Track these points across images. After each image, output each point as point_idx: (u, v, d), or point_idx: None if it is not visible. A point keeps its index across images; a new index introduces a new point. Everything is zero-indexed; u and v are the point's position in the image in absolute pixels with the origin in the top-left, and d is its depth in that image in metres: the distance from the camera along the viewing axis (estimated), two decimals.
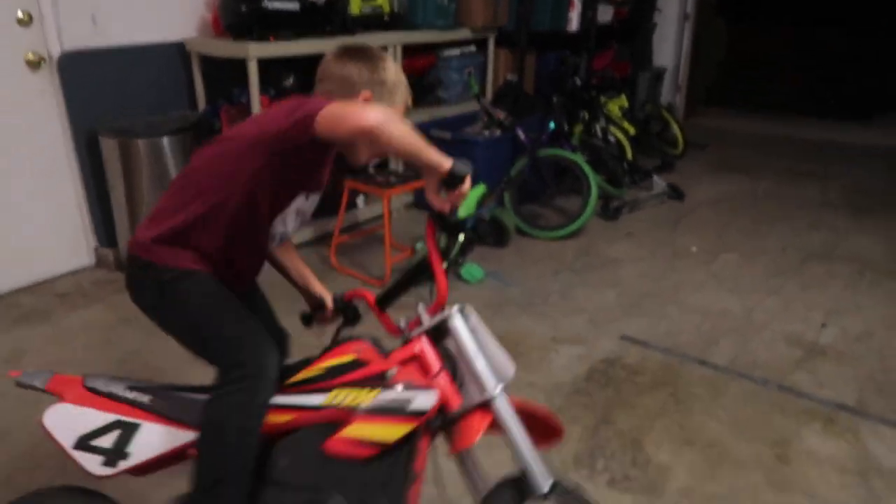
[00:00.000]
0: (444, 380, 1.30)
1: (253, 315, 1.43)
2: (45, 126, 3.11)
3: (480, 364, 1.29)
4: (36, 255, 3.20)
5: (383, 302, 1.49)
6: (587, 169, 3.84)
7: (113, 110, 3.20)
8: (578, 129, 4.55)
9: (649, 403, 2.35)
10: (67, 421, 1.37)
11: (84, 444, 1.36)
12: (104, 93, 3.19)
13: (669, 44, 6.64)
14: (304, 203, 1.49)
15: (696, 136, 6.02)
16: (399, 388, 1.28)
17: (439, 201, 1.30)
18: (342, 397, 1.30)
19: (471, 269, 3.31)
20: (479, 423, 1.26)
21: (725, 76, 7.41)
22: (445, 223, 1.35)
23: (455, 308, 1.33)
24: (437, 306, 1.35)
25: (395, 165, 3.99)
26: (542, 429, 1.38)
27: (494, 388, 1.28)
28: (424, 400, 1.25)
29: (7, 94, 2.96)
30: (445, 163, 1.23)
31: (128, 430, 1.36)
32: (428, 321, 1.35)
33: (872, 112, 7.05)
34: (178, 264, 1.38)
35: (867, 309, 3.02)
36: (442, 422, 1.32)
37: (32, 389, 1.41)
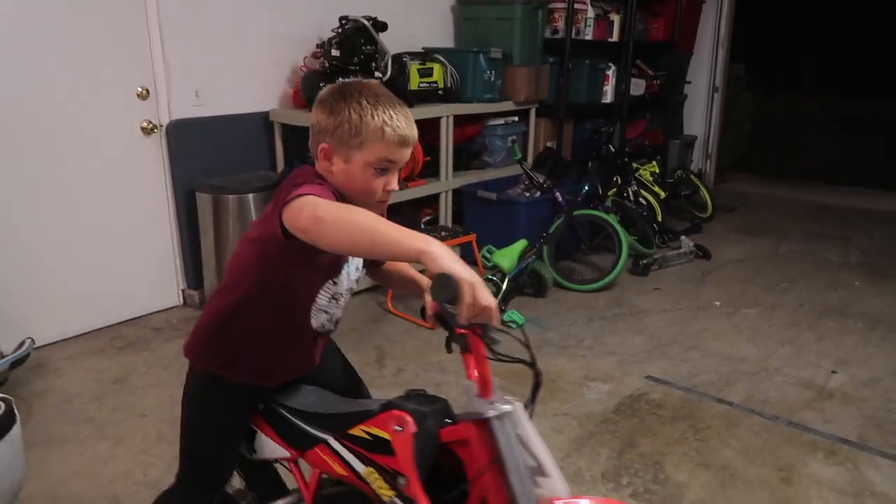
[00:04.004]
0: (488, 479, 1.18)
1: (237, 446, 1.53)
2: (152, 183, 3.65)
3: (517, 484, 1.15)
4: (134, 293, 3.69)
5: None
6: (619, 228, 4.24)
7: (208, 169, 3.73)
8: (612, 192, 4.98)
9: (670, 432, 2.67)
10: None
11: None
12: (202, 154, 3.73)
13: (700, 114, 7.08)
14: (337, 287, 1.44)
15: (725, 200, 6.39)
16: None
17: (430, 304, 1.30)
18: (373, 478, 1.31)
19: (512, 315, 3.68)
20: None
21: (753, 145, 7.79)
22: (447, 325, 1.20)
23: (497, 409, 1.18)
24: (483, 390, 1.20)
25: (445, 221, 4.44)
26: None
27: None
28: None
29: (124, 155, 3.51)
30: (418, 243, 1.06)
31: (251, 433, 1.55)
32: (471, 406, 1.21)
33: None
34: (206, 367, 1.48)
35: (876, 359, 3.30)
36: None
37: None
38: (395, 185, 1.38)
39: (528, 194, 4.57)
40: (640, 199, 5.12)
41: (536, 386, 1.19)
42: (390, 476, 1.27)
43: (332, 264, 1.40)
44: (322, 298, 1.43)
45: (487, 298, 1.06)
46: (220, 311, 1.43)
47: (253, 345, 1.43)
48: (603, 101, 5.61)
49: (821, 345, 3.47)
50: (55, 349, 3.32)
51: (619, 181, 5.07)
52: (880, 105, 10.31)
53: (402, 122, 1.32)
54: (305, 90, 3.82)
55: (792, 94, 10.57)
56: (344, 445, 1.36)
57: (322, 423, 1.42)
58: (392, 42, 4.07)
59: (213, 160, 3.78)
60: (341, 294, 1.47)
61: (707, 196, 5.90)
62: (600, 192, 4.77)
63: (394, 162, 1.34)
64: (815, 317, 3.82)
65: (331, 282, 1.43)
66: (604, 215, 4.34)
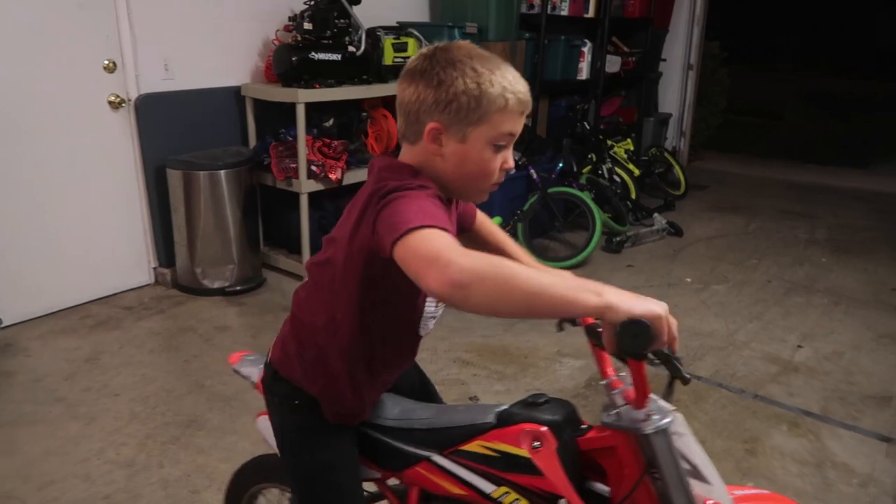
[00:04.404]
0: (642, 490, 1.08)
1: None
2: (121, 158, 3.58)
3: (679, 498, 1.06)
4: (105, 272, 3.63)
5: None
6: (593, 206, 4.27)
7: (178, 145, 3.66)
8: (586, 169, 5.00)
9: None
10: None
11: None
12: (172, 129, 3.67)
13: (675, 92, 7.11)
14: None
15: (698, 178, 6.45)
16: None
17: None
18: (511, 499, 1.16)
19: None
20: None
21: (728, 122, 7.86)
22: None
23: (655, 424, 1.05)
24: (639, 401, 1.07)
25: None
26: None
27: None
28: None
29: (91, 131, 3.43)
30: (591, 300, 0.90)
31: None
32: (626, 418, 1.08)
33: (869, 161, 7.46)
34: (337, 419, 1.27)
35: (839, 333, 3.39)
36: None
37: (246, 380, 1.50)
38: (512, 161, 1.17)
39: None
40: (615, 177, 5.15)
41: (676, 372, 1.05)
42: (540, 498, 1.13)
43: None
44: (430, 305, 1.25)
45: (675, 327, 0.91)
46: (343, 363, 1.22)
47: (376, 378, 1.28)
48: (578, 77, 5.59)
49: (787, 320, 3.55)
50: (24, 328, 3.27)
51: (594, 159, 5.09)
52: (855, 84, 10.46)
53: (521, 86, 1.12)
54: (277, 64, 3.76)
55: (767, 72, 10.67)
56: (457, 463, 1.20)
57: (421, 440, 1.26)
58: (366, 16, 4.01)
59: (184, 135, 3.72)
60: None
61: (681, 173, 5.96)
62: (575, 169, 4.79)
63: (514, 135, 1.14)
64: (781, 292, 3.90)
65: None
66: (578, 193, 4.37)
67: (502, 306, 0.92)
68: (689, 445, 1.09)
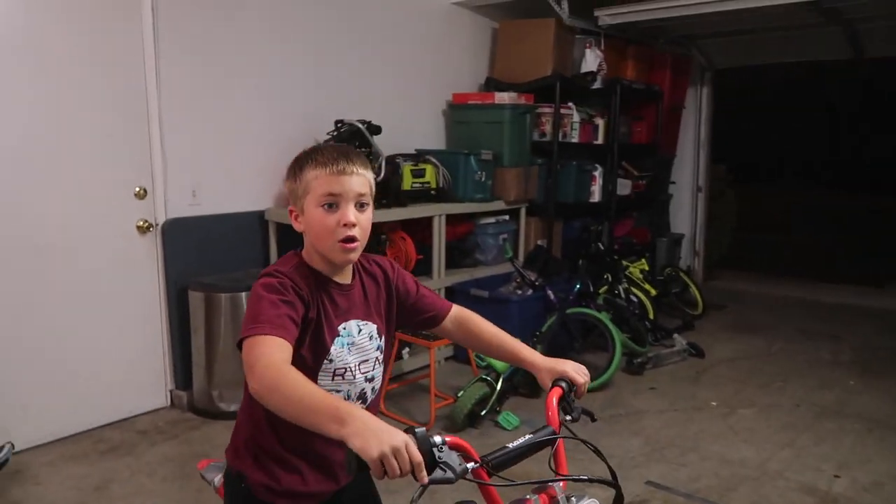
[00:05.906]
0: None
1: None
2: (144, 281, 3.64)
3: None
4: (121, 395, 3.60)
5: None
6: (612, 327, 4.24)
7: (202, 267, 3.74)
8: (603, 289, 5.01)
9: None
10: None
11: None
12: (196, 253, 3.75)
13: (686, 213, 7.25)
14: (334, 364, 1.38)
15: (715, 297, 6.43)
16: None
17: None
18: None
19: (507, 417, 3.62)
20: None
21: (739, 241, 7.93)
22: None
23: None
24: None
25: None
26: None
27: None
28: None
29: (116, 255, 3.52)
30: (339, 430, 1.04)
31: None
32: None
33: (884, 280, 7.40)
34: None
35: (876, 462, 3.24)
36: None
37: (209, 485, 1.59)
38: (349, 217, 1.34)
39: (520, 292, 4.59)
40: (632, 297, 5.15)
41: None
42: None
43: (314, 344, 1.35)
44: (323, 379, 1.38)
45: (402, 466, 1.01)
46: (262, 433, 1.42)
47: (304, 448, 1.41)
48: (590, 200, 5.73)
49: (820, 447, 3.41)
50: (35, 454, 3.20)
51: (610, 279, 5.12)
52: (848, 198, 10.63)
53: (333, 154, 1.36)
54: None
55: (772, 190, 10.91)
56: None
57: None
58: (386, 144, 4.21)
59: (208, 258, 3.80)
60: (346, 369, 1.39)
61: (697, 293, 5.95)
62: (592, 289, 4.81)
63: (338, 195, 1.34)
64: (812, 417, 3.77)
65: (326, 360, 1.38)
66: (596, 314, 4.36)
67: (285, 416, 1.13)
68: None
